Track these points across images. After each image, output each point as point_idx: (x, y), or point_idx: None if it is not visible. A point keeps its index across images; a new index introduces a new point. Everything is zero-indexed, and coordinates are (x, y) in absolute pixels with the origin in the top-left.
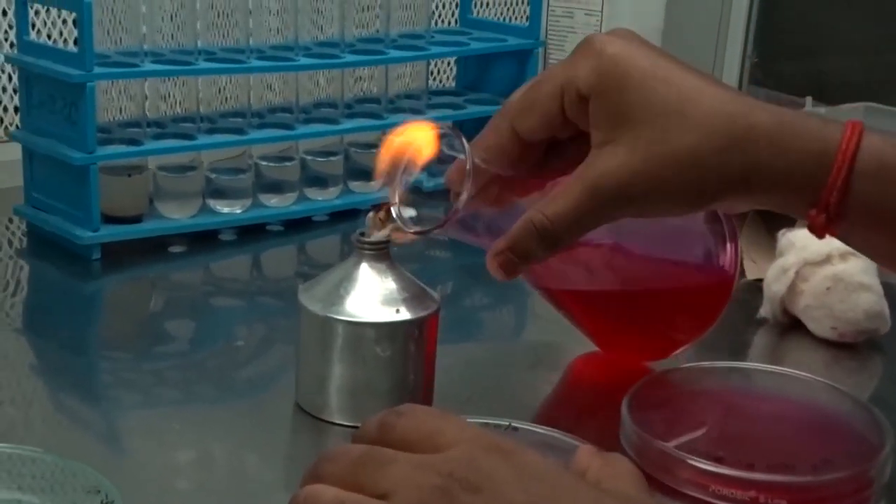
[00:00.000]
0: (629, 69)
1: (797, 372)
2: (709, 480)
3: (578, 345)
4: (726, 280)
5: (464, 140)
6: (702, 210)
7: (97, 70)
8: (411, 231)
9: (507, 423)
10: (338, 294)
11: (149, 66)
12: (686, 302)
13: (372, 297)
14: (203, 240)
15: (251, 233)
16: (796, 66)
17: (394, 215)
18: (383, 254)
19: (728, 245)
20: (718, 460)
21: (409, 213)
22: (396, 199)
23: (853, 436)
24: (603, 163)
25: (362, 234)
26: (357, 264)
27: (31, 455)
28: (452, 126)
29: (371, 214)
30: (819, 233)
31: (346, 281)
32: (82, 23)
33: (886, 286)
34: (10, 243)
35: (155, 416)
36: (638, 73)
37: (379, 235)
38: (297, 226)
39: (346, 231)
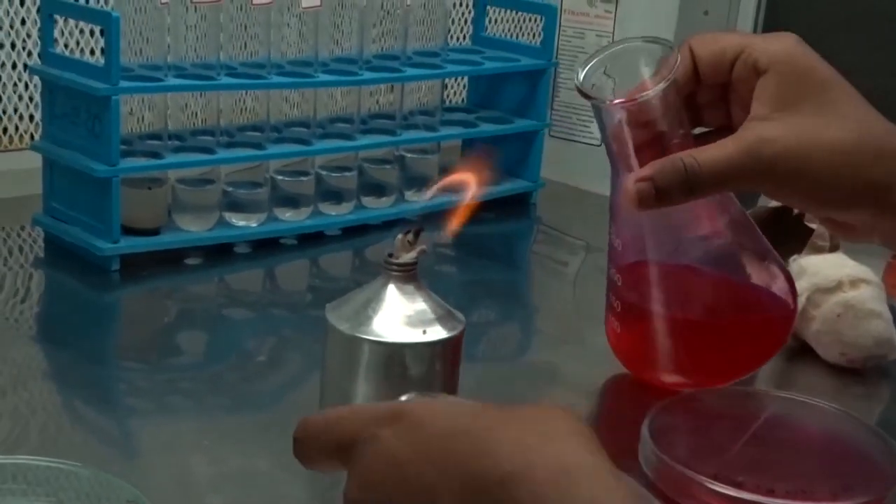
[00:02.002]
0: (814, 64)
1: (814, 399)
2: None
3: (589, 365)
4: (789, 312)
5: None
6: (831, 213)
7: (122, 84)
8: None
9: None
10: (366, 314)
11: (172, 80)
12: (752, 331)
13: (399, 317)
14: (218, 252)
15: (265, 246)
16: None
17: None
18: (411, 275)
19: (787, 278)
20: (739, 485)
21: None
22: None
23: (869, 463)
24: (762, 130)
25: (390, 256)
26: (385, 285)
27: (69, 468)
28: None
29: (400, 237)
30: None
31: (374, 301)
32: (109, 37)
33: (895, 311)
34: (27, 253)
35: (175, 428)
36: (819, 70)
37: (407, 257)
38: (311, 240)
39: (359, 246)
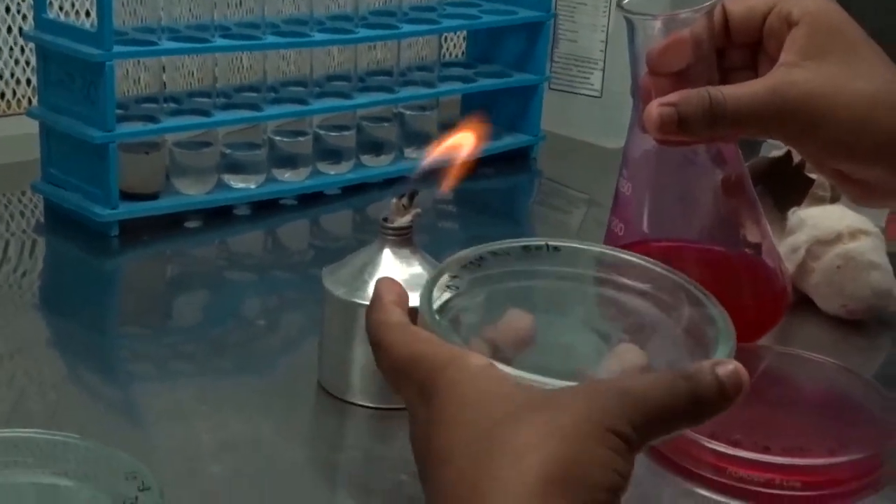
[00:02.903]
0: (845, 19)
1: (812, 354)
2: (726, 463)
3: None
4: (782, 292)
5: None
6: (849, 166)
7: (116, 49)
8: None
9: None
10: (362, 279)
11: (167, 44)
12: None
13: None
14: (218, 215)
15: (265, 207)
16: None
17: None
18: (406, 239)
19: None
20: (735, 443)
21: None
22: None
23: (866, 418)
24: (790, 74)
25: (385, 220)
26: (380, 249)
27: (68, 441)
28: None
29: (394, 200)
30: None
31: (370, 265)
32: (101, 2)
33: (895, 262)
34: (27, 219)
35: (177, 394)
36: (849, 26)
37: (402, 221)
38: (310, 200)
39: (359, 205)
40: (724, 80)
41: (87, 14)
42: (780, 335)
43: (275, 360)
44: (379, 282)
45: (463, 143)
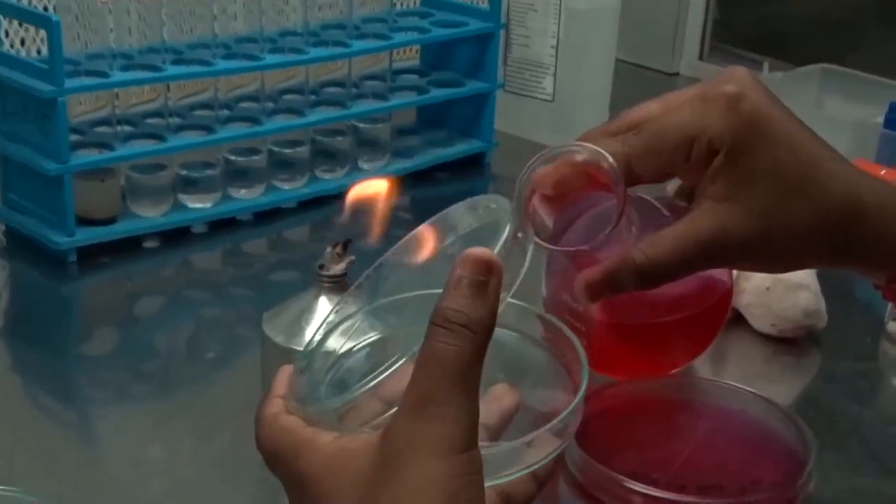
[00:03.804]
0: (762, 134)
1: (733, 384)
2: (644, 502)
3: None
4: (725, 297)
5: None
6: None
7: (68, 83)
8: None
9: None
10: (299, 325)
11: (118, 75)
12: (688, 327)
13: None
14: (176, 234)
15: (223, 225)
16: (757, 25)
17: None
18: (341, 286)
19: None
20: (654, 482)
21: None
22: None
23: (781, 451)
24: (717, 220)
25: (321, 268)
26: (317, 296)
27: (13, 496)
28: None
29: (329, 249)
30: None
31: (307, 312)
32: (51, 39)
33: (822, 280)
34: None
35: (131, 423)
36: (770, 139)
37: (336, 269)
38: (268, 216)
39: (316, 218)
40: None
41: (39, 50)
42: (715, 353)
43: (229, 387)
44: (278, 372)
45: (377, 191)
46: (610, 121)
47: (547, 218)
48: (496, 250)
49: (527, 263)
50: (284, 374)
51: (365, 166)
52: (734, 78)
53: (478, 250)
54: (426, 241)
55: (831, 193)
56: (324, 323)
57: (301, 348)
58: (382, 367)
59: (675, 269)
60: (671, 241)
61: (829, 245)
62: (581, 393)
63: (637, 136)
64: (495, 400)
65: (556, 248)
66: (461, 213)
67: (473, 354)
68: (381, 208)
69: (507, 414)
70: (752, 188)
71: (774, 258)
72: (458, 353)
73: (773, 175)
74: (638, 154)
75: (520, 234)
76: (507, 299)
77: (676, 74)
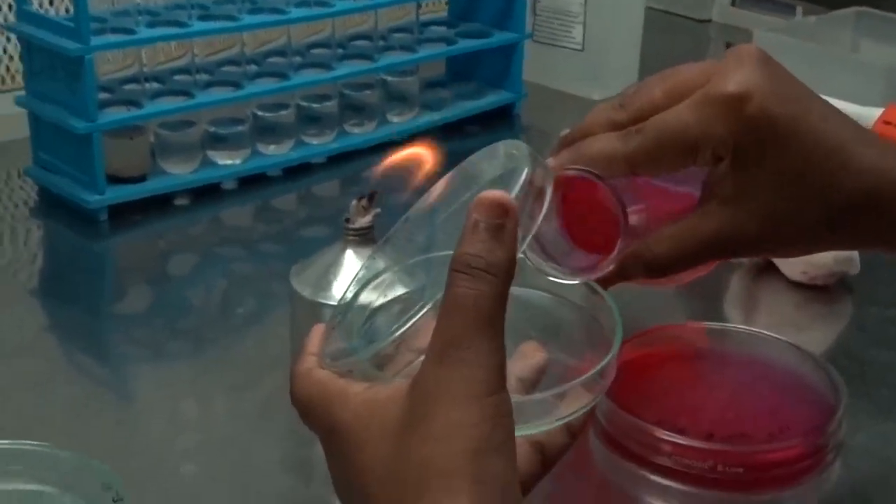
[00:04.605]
0: (768, 139)
1: (763, 331)
2: (672, 450)
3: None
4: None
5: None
6: None
7: (94, 41)
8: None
9: None
10: (326, 279)
11: (144, 31)
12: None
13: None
14: (206, 191)
15: (253, 181)
16: None
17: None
18: (368, 239)
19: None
20: (681, 431)
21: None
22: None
23: (811, 398)
24: (722, 222)
25: (347, 221)
26: (343, 250)
27: (48, 452)
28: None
29: (354, 202)
30: None
31: (334, 266)
32: None
33: None
34: (20, 202)
35: (163, 381)
36: (777, 142)
37: (362, 222)
38: (297, 171)
39: (346, 173)
40: None
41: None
42: (745, 300)
43: (252, 349)
44: (311, 330)
45: (421, 156)
46: (614, 104)
47: None
48: (513, 194)
49: (545, 207)
50: (317, 331)
51: (394, 120)
52: (739, 69)
53: (492, 193)
54: (448, 192)
55: (847, 188)
56: (354, 279)
57: (328, 301)
58: (407, 316)
59: (681, 265)
60: (676, 241)
61: (847, 235)
62: (614, 350)
63: (640, 136)
64: (525, 356)
65: (583, 168)
66: (482, 162)
67: (495, 298)
68: (418, 174)
69: (537, 369)
70: (758, 192)
71: (786, 251)
72: (479, 297)
73: (781, 179)
74: (640, 159)
75: (537, 179)
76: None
77: (708, 21)
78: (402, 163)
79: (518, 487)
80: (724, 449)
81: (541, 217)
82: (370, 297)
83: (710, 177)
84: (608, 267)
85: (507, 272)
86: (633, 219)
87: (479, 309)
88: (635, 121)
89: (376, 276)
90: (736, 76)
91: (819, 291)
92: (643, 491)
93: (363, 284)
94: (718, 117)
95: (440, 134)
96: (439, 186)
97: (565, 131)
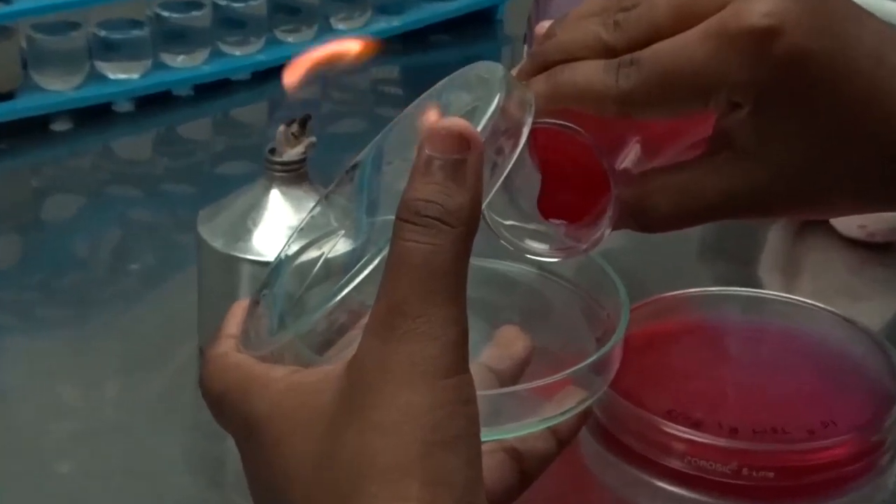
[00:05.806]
0: (799, 83)
1: (807, 301)
2: (686, 449)
3: None
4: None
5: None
6: None
7: None
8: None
9: None
10: (244, 227)
11: None
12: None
13: (285, 230)
14: (93, 114)
15: (154, 102)
16: None
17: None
18: (299, 175)
19: None
20: (696, 425)
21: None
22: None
23: (865, 386)
24: (738, 177)
25: (272, 152)
26: (267, 189)
27: None
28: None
29: (282, 128)
30: None
31: (254, 210)
32: None
33: None
34: None
35: (35, 354)
36: (810, 86)
37: (292, 154)
38: (212, 89)
39: (274, 94)
40: None
41: None
42: (786, 262)
43: (151, 316)
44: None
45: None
46: (607, 20)
47: None
48: (480, 126)
49: (522, 142)
50: (238, 308)
51: (339, 26)
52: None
53: (449, 121)
54: (407, 131)
55: (890, 135)
56: (291, 237)
57: (246, 256)
58: (345, 279)
59: (677, 224)
60: (679, 194)
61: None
62: (616, 336)
63: (636, 71)
64: (504, 344)
65: (559, 122)
66: (449, 92)
67: (453, 253)
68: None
69: (518, 359)
70: (787, 145)
71: (821, 212)
72: (433, 253)
73: (812, 129)
74: (635, 101)
75: (512, 108)
76: None
77: None
78: (323, 63)
79: (483, 497)
80: (752, 448)
81: (515, 155)
82: (311, 257)
83: (721, 119)
84: (595, 245)
85: (468, 221)
86: (627, 159)
87: (430, 267)
88: (632, 47)
89: (321, 238)
90: (761, 3)
91: (879, 251)
92: (648, 500)
93: (303, 246)
94: (738, 57)
95: (399, 45)
96: (404, 120)
97: (545, 23)
